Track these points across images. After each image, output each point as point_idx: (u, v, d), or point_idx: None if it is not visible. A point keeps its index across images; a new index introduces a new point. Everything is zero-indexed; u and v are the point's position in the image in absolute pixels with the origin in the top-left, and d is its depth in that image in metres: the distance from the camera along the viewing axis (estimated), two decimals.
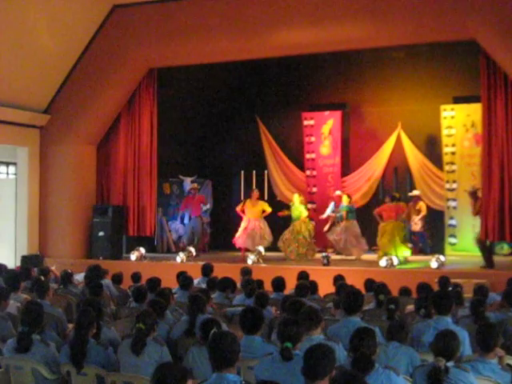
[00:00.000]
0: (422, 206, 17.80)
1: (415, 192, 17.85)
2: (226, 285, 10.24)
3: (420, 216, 17.74)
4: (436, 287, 9.99)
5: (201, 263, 12.66)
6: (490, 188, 14.54)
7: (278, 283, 9.93)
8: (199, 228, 18.33)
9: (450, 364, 5.31)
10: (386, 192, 18.42)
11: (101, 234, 16.78)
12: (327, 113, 19.56)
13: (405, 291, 10.20)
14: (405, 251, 15.68)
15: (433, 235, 17.99)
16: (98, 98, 17.02)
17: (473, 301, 7.86)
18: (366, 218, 17.72)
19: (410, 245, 16.47)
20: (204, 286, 10.61)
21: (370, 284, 10.30)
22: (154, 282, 9.72)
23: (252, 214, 17.03)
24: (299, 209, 17.09)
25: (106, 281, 11.30)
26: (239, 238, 17.04)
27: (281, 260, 16.50)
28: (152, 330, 6.48)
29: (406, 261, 15.56)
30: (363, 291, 9.92)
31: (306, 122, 19.75)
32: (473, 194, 15.07)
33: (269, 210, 17.12)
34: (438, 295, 7.58)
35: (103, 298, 9.65)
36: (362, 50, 17.37)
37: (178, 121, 19.55)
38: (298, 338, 5.64)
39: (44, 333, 6.87)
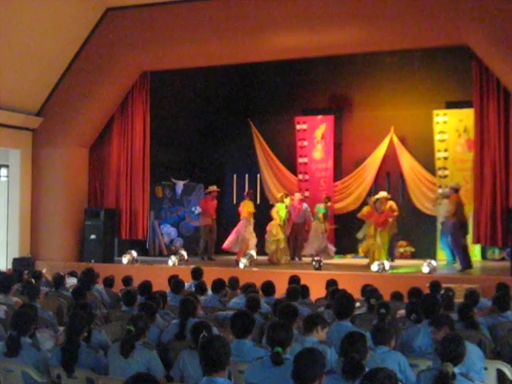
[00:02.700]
0: (392, 205, 16.86)
1: (382, 194, 16.93)
2: (220, 286, 10.24)
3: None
4: (427, 292, 9.99)
5: (193, 267, 12.65)
6: (482, 193, 14.59)
7: (268, 288, 9.92)
8: (215, 231, 18.10)
9: (457, 371, 5.30)
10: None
11: (93, 236, 16.75)
12: (320, 117, 19.59)
13: (396, 296, 10.21)
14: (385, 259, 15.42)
15: (393, 245, 17.42)
16: (90, 100, 17.03)
17: (460, 306, 7.86)
18: (358, 222, 17.76)
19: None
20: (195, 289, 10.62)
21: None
22: (146, 286, 9.70)
23: (242, 215, 17.14)
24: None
25: (98, 286, 11.28)
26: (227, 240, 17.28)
27: (273, 264, 16.51)
28: (142, 335, 6.46)
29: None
30: (359, 296, 9.98)
31: (298, 126, 19.77)
32: (455, 191, 15.10)
33: (251, 210, 17.16)
34: (426, 300, 7.59)
35: (93, 301, 9.66)
36: (355, 55, 17.42)
37: (170, 124, 19.53)
38: (287, 343, 5.64)
39: (35, 336, 6.86)
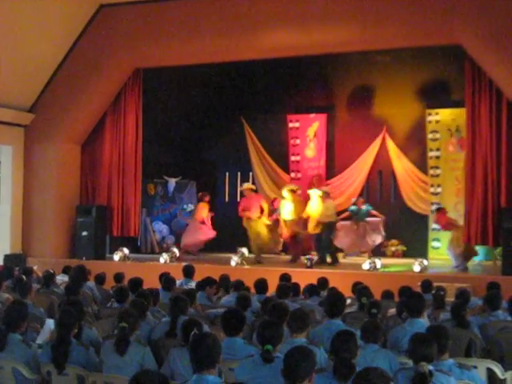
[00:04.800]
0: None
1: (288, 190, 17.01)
2: (205, 284, 10.27)
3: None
4: (419, 291, 10.01)
5: (185, 264, 12.66)
6: (474, 192, 14.61)
7: (261, 285, 9.94)
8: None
9: (432, 368, 5.32)
10: (369, 195, 18.56)
11: (84, 233, 16.73)
12: (312, 115, 19.59)
13: (387, 295, 10.23)
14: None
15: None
16: (83, 97, 17.00)
17: (453, 305, 7.89)
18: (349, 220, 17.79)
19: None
20: (186, 287, 10.63)
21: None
22: (136, 283, 9.70)
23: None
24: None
25: (89, 283, 11.28)
26: None
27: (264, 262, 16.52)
28: (135, 328, 6.48)
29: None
30: (350, 294, 10.01)
31: (291, 125, 19.77)
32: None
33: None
34: (409, 297, 7.60)
35: (85, 298, 9.66)
36: (348, 53, 17.36)
37: (163, 121, 19.50)
38: (277, 340, 5.65)
39: (26, 333, 6.85)
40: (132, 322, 6.44)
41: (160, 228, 19.72)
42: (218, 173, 20.95)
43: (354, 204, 17.48)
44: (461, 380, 5.62)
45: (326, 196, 16.33)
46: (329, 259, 16.17)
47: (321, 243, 16.15)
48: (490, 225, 14.39)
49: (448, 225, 15.70)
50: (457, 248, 15.04)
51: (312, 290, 10.37)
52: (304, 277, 12.72)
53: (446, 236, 17.05)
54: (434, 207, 17.04)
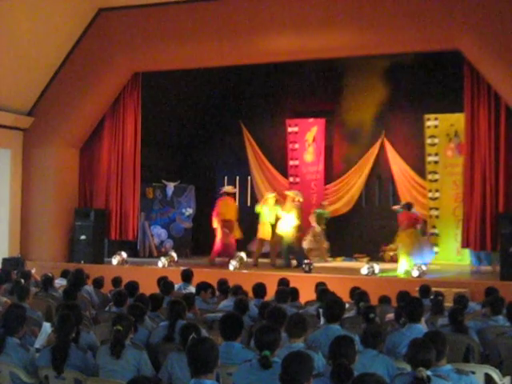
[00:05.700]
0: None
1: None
2: (201, 288, 10.28)
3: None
4: (417, 296, 10.00)
5: (183, 268, 12.65)
6: (472, 197, 14.61)
7: (259, 290, 9.92)
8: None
9: (430, 373, 5.31)
10: (368, 200, 18.56)
11: (82, 237, 16.71)
12: (311, 120, 19.60)
13: (384, 299, 10.21)
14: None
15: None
16: (82, 101, 17.00)
17: (451, 310, 7.88)
18: (347, 225, 17.78)
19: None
20: (185, 291, 10.63)
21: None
22: (132, 287, 9.69)
23: None
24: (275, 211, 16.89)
25: (87, 287, 11.27)
26: None
27: (262, 266, 16.50)
28: (130, 331, 6.47)
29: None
30: (348, 299, 9.98)
31: (290, 129, 19.78)
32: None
33: None
34: (408, 302, 7.59)
35: (83, 302, 9.65)
36: (348, 58, 17.39)
37: (161, 125, 19.51)
38: (275, 345, 5.64)
39: (24, 337, 6.84)
40: (127, 325, 6.42)
41: (158, 232, 19.71)
42: (216, 177, 20.95)
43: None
44: None
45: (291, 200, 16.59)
46: (294, 262, 16.51)
47: (293, 249, 16.38)
48: (488, 230, 14.39)
49: (409, 221, 15.44)
50: (416, 243, 15.09)
51: (323, 293, 10.31)
52: (302, 281, 12.71)
53: (445, 240, 17.11)
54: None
